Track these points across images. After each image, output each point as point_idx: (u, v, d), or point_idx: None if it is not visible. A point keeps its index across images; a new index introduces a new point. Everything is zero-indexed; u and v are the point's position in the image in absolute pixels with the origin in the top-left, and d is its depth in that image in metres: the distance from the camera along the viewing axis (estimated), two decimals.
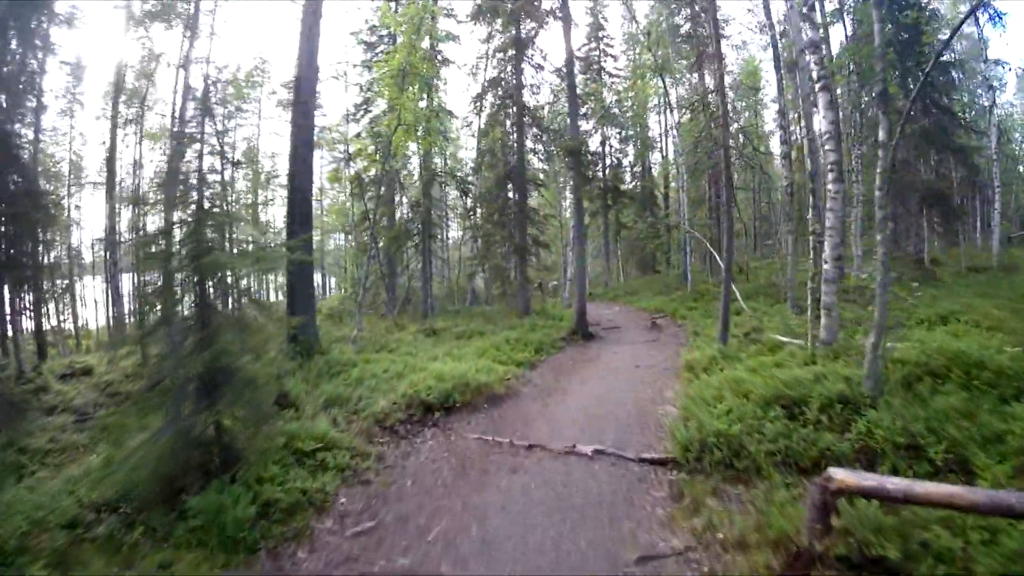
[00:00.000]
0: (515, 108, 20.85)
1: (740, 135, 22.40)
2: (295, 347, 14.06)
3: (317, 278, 50.38)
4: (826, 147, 9.17)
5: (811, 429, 6.42)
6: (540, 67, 20.21)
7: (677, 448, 6.92)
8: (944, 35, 18.47)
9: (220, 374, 6.93)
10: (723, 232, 13.11)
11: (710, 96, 23.54)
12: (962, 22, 8.25)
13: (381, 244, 27.22)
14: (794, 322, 13.80)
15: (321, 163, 38.72)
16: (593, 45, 37.72)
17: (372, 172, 27.12)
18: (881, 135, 7.55)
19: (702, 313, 18.87)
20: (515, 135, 20.88)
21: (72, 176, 31.71)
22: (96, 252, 33.25)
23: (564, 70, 18.45)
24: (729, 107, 25.07)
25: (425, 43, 26.00)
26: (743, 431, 6.51)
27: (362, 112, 31.32)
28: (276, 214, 40.02)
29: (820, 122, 9.24)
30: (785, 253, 31.58)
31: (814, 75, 9.45)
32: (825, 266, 9.31)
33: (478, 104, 24.64)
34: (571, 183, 19.98)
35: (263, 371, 7.79)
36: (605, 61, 37.76)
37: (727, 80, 22.73)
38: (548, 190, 34.42)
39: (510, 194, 21.22)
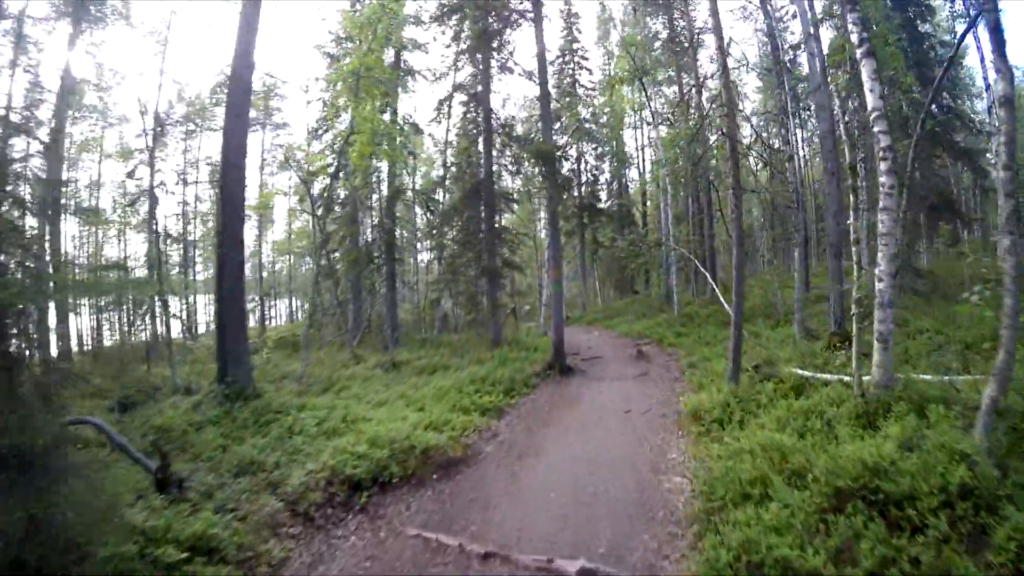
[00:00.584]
0: (482, 113, 18.44)
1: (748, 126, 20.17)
2: (225, 390, 11.41)
3: (283, 305, 47.44)
4: (875, 128, 6.80)
5: (931, 549, 3.91)
6: (510, 69, 17.86)
7: None
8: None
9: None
10: (734, 243, 10.71)
11: (708, 81, 21.33)
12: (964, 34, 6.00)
13: (339, 268, 24.52)
14: (813, 350, 11.39)
15: (289, 183, 36.09)
16: (567, 58, 35.83)
17: (335, 190, 24.57)
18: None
19: (695, 340, 16.46)
20: (482, 143, 18.45)
21: None
22: None
23: (535, 70, 16.08)
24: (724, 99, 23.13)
25: (389, 54, 23.73)
26: (826, 557, 3.96)
27: (324, 128, 28.75)
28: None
29: (867, 97, 6.84)
30: (784, 269, 29.58)
31: (854, 37, 7.12)
32: (879, 285, 6.89)
33: (443, 110, 22.16)
34: (545, 198, 17.57)
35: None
36: (580, 74, 35.84)
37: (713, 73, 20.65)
38: (521, 207, 32.06)
39: (479, 211, 18.72)
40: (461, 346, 19.95)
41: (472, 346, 19.39)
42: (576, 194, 34.66)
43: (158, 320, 19.62)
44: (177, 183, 30.11)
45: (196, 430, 10.07)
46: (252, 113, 30.84)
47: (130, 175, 22.60)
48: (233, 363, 11.36)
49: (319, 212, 21.93)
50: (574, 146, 34.87)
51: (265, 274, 39.04)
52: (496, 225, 18.99)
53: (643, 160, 39.94)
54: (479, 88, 18.95)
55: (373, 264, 23.42)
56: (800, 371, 9.73)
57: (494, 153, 18.43)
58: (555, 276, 14.47)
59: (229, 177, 11.83)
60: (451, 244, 19.82)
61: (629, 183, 39.86)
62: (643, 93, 26.47)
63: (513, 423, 10.51)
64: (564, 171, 36.54)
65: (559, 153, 31.63)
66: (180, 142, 31.93)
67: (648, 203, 40.30)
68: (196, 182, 33.42)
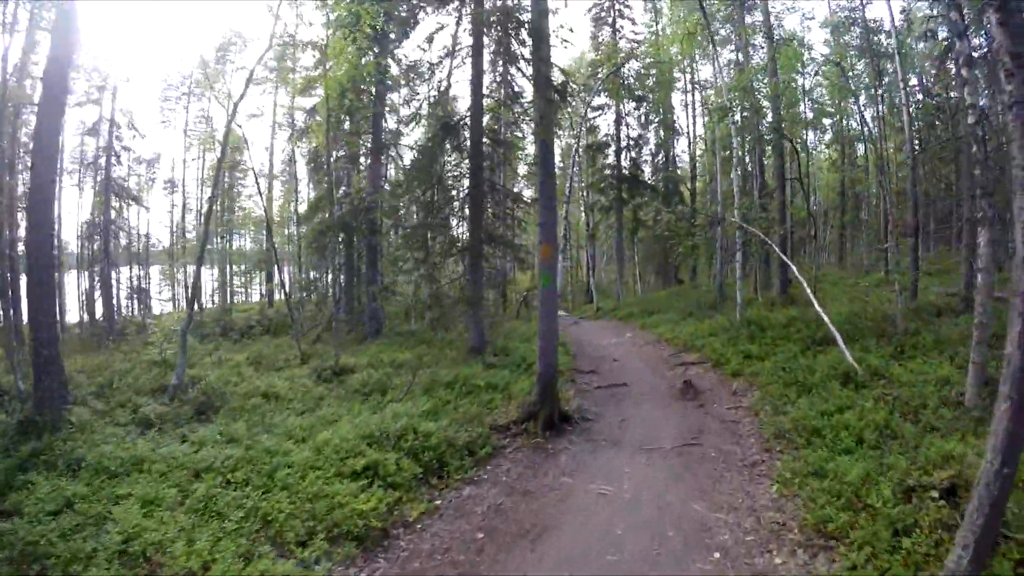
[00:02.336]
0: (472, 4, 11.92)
1: None
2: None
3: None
4: None
5: None
6: None
7: None
8: None
9: None
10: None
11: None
12: None
13: (303, 240, 18.66)
14: None
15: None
16: (607, 3, 28.85)
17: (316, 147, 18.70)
18: None
19: (776, 370, 9.70)
20: (471, 45, 11.94)
21: None
22: None
23: None
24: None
25: None
26: None
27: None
28: None
29: None
30: (869, 263, 22.19)
31: None
32: None
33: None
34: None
35: None
36: (621, 25, 28.82)
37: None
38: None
39: (461, 157, 12.37)
40: (435, 352, 13.86)
41: (444, 354, 13.26)
42: (613, 162, 28.01)
43: None
44: None
45: None
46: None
47: None
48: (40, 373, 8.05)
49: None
50: (612, 108, 28.08)
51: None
52: (481, 177, 12.56)
53: (693, 130, 32.72)
54: None
55: (344, 237, 17.40)
56: None
57: (487, 62, 11.97)
58: (545, 257, 7.96)
59: (43, 140, 8.56)
60: (416, 206, 13.51)
61: (678, 156, 32.78)
62: (708, 42, 19.33)
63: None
64: (600, 133, 30.15)
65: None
66: None
67: (699, 180, 33.13)
68: None
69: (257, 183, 22.07)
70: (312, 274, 23.71)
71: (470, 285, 12.45)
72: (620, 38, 28.32)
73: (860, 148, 31.40)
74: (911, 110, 15.37)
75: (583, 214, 30.41)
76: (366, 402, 10.28)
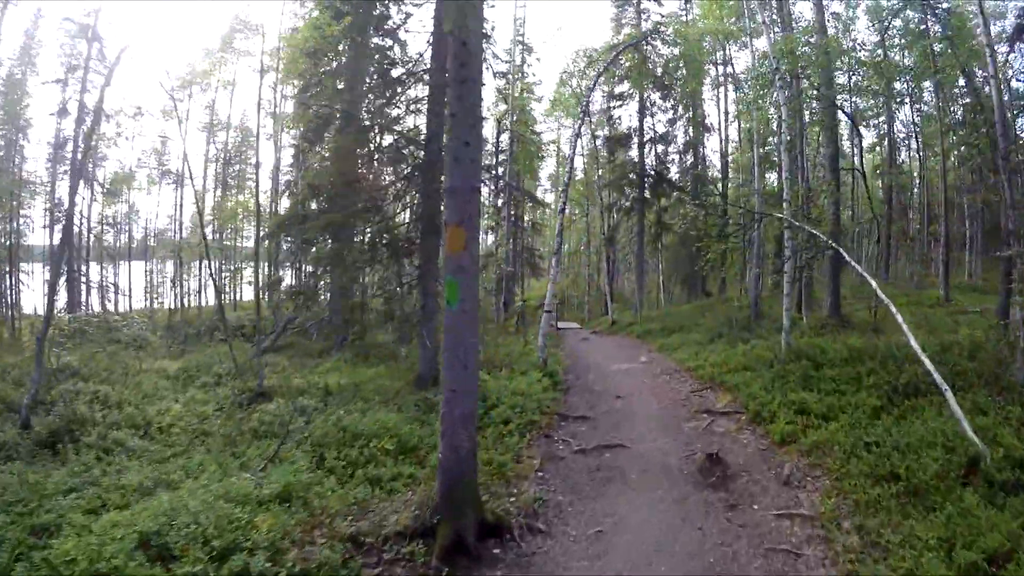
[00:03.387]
0: None
1: None
2: None
3: None
4: None
5: None
6: None
7: None
8: None
9: None
10: None
11: None
12: None
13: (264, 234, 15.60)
14: None
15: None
16: None
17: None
18: None
19: (862, 449, 6.04)
20: None
21: None
22: None
23: None
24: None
25: None
26: None
27: None
28: None
29: None
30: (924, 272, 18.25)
31: None
32: None
33: None
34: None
35: None
36: (646, 8, 25.10)
37: None
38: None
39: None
40: (383, 378, 10.65)
41: (391, 384, 10.02)
42: (635, 157, 24.38)
43: None
44: None
45: None
46: None
47: None
48: None
49: None
50: (635, 97, 24.42)
51: None
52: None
53: (725, 128, 28.75)
54: None
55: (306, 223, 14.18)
56: None
57: None
58: (454, 250, 4.47)
59: None
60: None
61: (708, 157, 28.91)
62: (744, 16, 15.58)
63: None
64: (621, 126, 26.53)
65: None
66: None
67: (731, 184, 29.13)
68: None
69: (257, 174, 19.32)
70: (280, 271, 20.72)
71: (421, 292, 9.15)
72: (645, 20, 24.68)
73: (903, 153, 27.58)
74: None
75: (600, 216, 26.77)
76: (248, 452, 7.26)
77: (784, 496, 5.64)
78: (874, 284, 7.01)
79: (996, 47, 12.10)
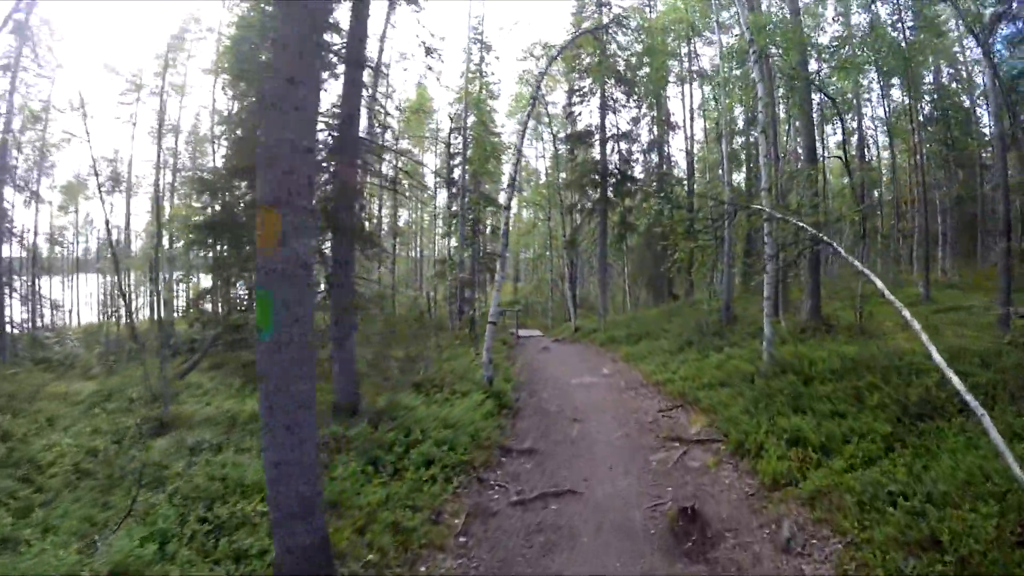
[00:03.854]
0: None
1: None
2: None
3: None
4: None
5: None
6: None
7: None
8: None
9: None
10: None
11: None
12: None
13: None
14: None
15: None
16: None
17: None
18: None
19: (884, 500, 4.58)
20: None
21: None
22: None
23: None
24: None
25: None
26: None
27: None
28: None
29: None
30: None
31: None
32: None
33: None
34: None
35: None
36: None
37: None
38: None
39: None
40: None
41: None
42: (597, 155, 23.00)
43: None
44: None
45: None
46: None
47: None
48: None
49: None
50: (596, 93, 23.07)
51: None
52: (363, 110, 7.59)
53: (691, 126, 27.57)
54: None
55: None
56: None
57: None
58: (266, 244, 2.86)
59: None
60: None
61: (672, 157, 27.68)
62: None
63: None
64: (581, 123, 25.15)
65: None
66: None
67: (696, 181, 27.90)
68: None
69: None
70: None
71: (333, 305, 7.44)
72: (607, 12, 23.34)
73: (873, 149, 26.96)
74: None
75: (562, 218, 25.27)
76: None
77: (785, 569, 4.12)
78: (880, 284, 5.56)
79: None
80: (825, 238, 7.00)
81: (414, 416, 7.38)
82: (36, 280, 24.46)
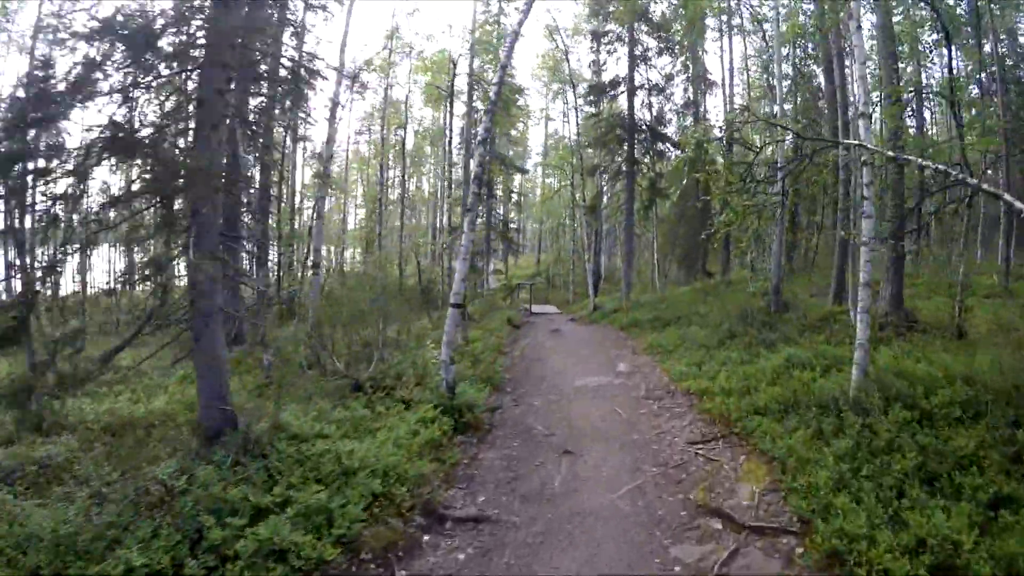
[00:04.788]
0: None
1: None
2: None
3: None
4: None
5: None
6: None
7: None
8: None
9: None
10: None
11: None
12: None
13: None
14: None
15: None
16: None
17: None
18: None
19: None
20: None
21: None
22: None
23: None
24: None
25: None
26: None
27: None
28: None
29: None
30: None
31: None
32: None
33: None
34: None
35: None
36: None
37: None
38: None
39: None
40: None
41: (168, 430, 5.62)
42: (624, 109, 19.62)
43: None
44: None
45: None
46: None
47: None
48: None
49: None
50: (623, 40, 19.58)
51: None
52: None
53: (730, 86, 23.76)
54: None
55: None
56: None
57: None
58: None
59: None
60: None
61: (708, 113, 23.99)
62: None
63: None
64: (607, 76, 21.66)
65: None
66: None
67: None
68: None
69: None
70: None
71: (195, 294, 4.75)
72: None
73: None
74: None
75: (582, 181, 22.09)
76: None
77: None
78: None
79: None
80: (984, 186, 3.92)
81: (308, 448, 4.68)
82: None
